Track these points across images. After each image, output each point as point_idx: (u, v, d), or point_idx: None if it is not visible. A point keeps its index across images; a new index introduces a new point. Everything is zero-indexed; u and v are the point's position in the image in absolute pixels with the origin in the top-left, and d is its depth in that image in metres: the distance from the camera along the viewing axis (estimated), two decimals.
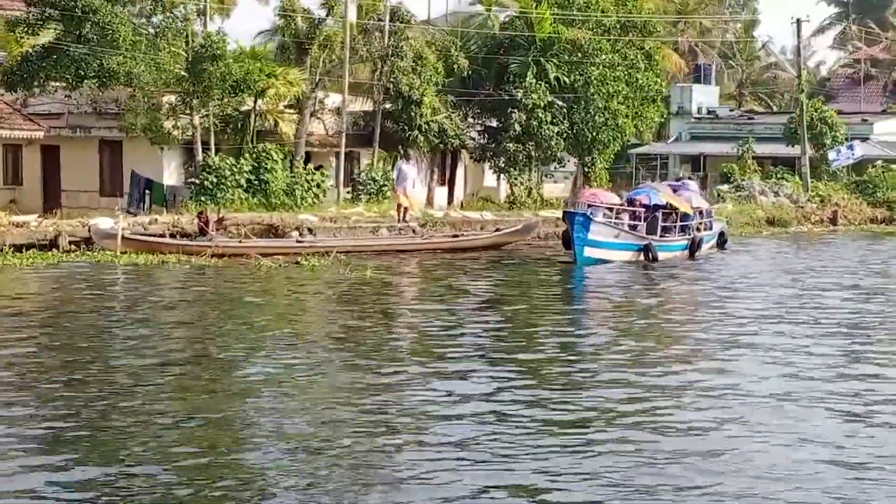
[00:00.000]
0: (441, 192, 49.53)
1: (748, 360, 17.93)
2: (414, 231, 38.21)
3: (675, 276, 31.02)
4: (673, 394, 15.47)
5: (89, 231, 32.35)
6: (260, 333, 20.15)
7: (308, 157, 43.54)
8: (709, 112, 69.28)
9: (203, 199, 38.74)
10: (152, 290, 26.13)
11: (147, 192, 41.82)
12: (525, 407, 14.36)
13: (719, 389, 15.62)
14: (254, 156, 40.12)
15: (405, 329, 21.38)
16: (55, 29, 36.68)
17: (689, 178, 44.06)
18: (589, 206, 33.22)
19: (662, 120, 51.73)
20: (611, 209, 33.80)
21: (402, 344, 19.64)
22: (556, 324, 22.04)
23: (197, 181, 39.16)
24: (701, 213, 37.20)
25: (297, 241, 35.02)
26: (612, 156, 50.39)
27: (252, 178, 40.11)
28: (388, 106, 44.77)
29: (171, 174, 41.88)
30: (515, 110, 46.60)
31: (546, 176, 51.73)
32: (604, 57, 47.60)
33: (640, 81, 48.67)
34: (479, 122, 49.40)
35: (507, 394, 15.10)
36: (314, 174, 41.37)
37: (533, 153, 47.17)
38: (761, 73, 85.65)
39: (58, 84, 38.22)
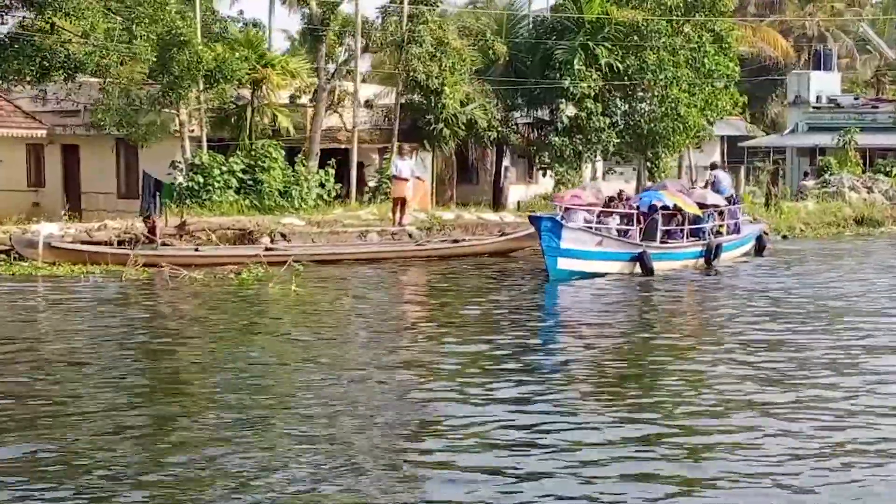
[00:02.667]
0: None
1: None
2: (410, 236, 34.25)
3: (670, 294, 26.04)
4: None
5: (10, 239, 29.28)
6: None
7: (329, 155, 39.95)
8: (829, 101, 63.46)
9: (189, 201, 35.54)
10: None
11: (158, 193, 38.80)
12: None
13: None
14: (251, 153, 36.75)
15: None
16: (16, 16, 33.79)
17: (722, 168, 38.17)
18: (566, 209, 28.23)
19: (734, 110, 46.14)
20: (605, 211, 28.95)
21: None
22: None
23: (183, 182, 35.98)
24: (721, 213, 31.88)
25: (266, 249, 31.42)
26: (681, 148, 45.23)
27: (246, 178, 36.73)
28: (413, 97, 40.87)
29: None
30: (562, 100, 42.20)
31: (609, 172, 47.05)
32: (663, 40, 42.78)
33: (708, 66, 43.63)
34: (528, 114, 45.08)
35: None
36: (317, 174, 37.72)
37: (581, 148, 42.63)
38: None
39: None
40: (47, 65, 33.31)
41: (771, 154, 63.24)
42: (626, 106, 43.15)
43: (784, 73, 67.79)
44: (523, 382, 15.16)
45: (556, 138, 42.24)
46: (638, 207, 29.33)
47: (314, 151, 39.52)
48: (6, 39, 33.59)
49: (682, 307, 24.39)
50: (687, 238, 30.09)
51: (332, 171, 38.45)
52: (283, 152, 37.65)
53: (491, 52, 42.20)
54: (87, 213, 39.88)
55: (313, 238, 33.15)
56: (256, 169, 36.61)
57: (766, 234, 34.67)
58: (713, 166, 36.10)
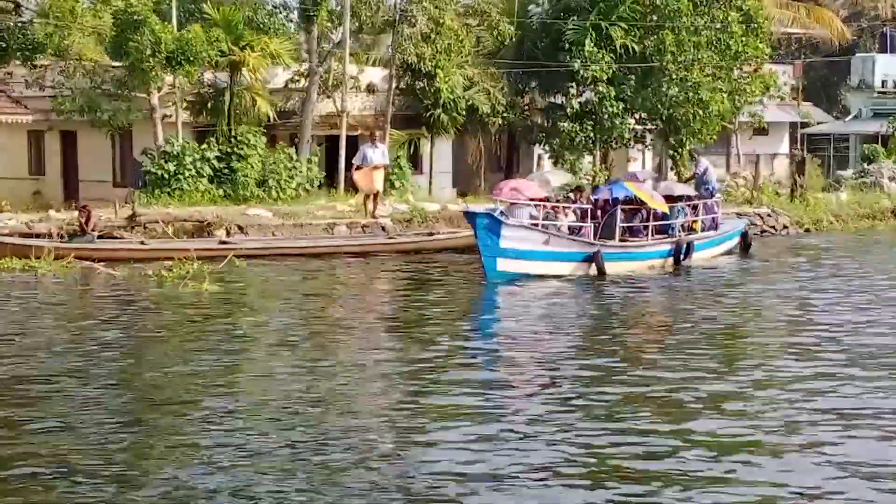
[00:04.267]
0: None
1: None
2: (384, 228, 32.11)
3: (609, 299, 23.08)
4: None
5: None
6: None
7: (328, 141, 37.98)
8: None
9: (157, 191, 33.79)
10: None
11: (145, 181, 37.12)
12: None
13: None
14: (229, 140, 34.89)
15: None
16: None
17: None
18: (512, 204, 25.33)
19: (763, 96, 42.90)
20: (554, 206, 26.27)
21: None
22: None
23: (152, 170, 34.19)
24: (694, 207, 28.87)
25: (221, 243, 29.51)
26: (711, 136, 42.06)
27: (221, 166, 34.85)
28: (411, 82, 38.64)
29: None
30: (573, 84, 39.62)
31: (630, 160, 44.29)
32: (684, 19, 39.95)
33: (735, 48, 40.67)
34: (543, 98, 42.53)
35: None
36: (297, 161, 35.68)
37: (592, 134, 39.99)
38: None
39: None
40: (4, 45, 31.69)
41: (832, 142, 59.75)
42: (645, 90, 40.27)
43: (837, 55, 63.93)
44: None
45: (566, 124, 39.63)
46: (596, 201, 26.67)
47: (305, 138, 37.51)
48: None
49: (610, 316, 21.24)
50: (652, 235, 27.20)
51: (315, 160, 36.42)
52: (265, 139, 35.76)
53: (495, 32, 39.67)
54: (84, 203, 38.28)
55: (273, 231, 31.18)
56: (233, 157, 34.74)
57: (748, 232, 31.64)
58: (691, 155, 33.07)
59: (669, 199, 27.83)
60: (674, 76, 39.77)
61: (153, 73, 32.11)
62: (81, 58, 32.76)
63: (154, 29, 31.18)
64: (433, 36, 37.22)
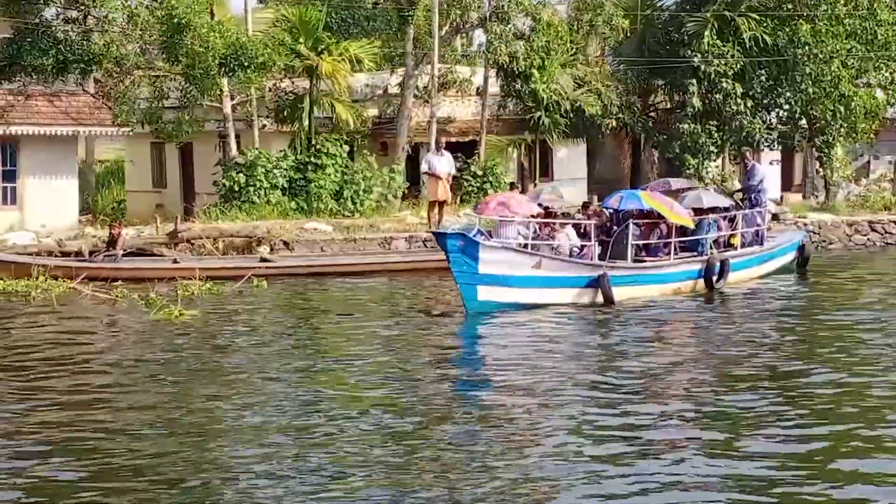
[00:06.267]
0: None
1: None
2: None
3: (609, 335, 19.06)
4: None
5: None
6: None
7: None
8: None
9: (228, 204, 32.29)
10: None
11: None
12: None
13: None
14: (309, 149, 33.14)
15: None
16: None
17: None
18: (501, 221, 21.83)
19: None
20: (548, 223, 22.73)
21: None
22: None
23: (224, 182, 32.73)
24: (731, 220, 24.66)
25: (262, 260, 27.71)
26: (866, 134, 37.73)
27: (297, 176, 33.07)
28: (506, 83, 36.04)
29: None
30: (692, 81, 36.19)
31: (773, 163, 40.29)
32: (823, 7, 36.00)
33: (883, 38, 36.42)
34: (667, 99, 39.22)
35: None
36: (377, 173, 33.53)
37: (716, 135, 36.42)
38: None
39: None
40: (63, 58, 30.65)
41: None
42: (779, 87, 36.51)
43: None
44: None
45: (687, 125, 36.20)
46: (602, 215, 23.25)
47: (400, 145, 35.39)
48: (22, 33, 31.08)
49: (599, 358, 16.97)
50: (676, 254, 23.29)
51: (399, 169, 34.22)
52: (347, 147, 33.83)
53: (610, 27, 36.58)
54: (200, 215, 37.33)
55: (322, 247, 29.16)
56: (309, 167, 32.92)
57: (806, 245, 27.53)
58: (743, 160, 28.95)
59: (699, 212, 23.90)
60: (810, 70, 35.82)
61: (208, 80, 30.44)
62: (141, 67, 31.43)
63: (201, 33, 29.50)
64: (529, 34, 34.44)
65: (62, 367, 16.55)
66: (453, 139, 37.75)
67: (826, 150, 37.48)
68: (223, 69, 30.31)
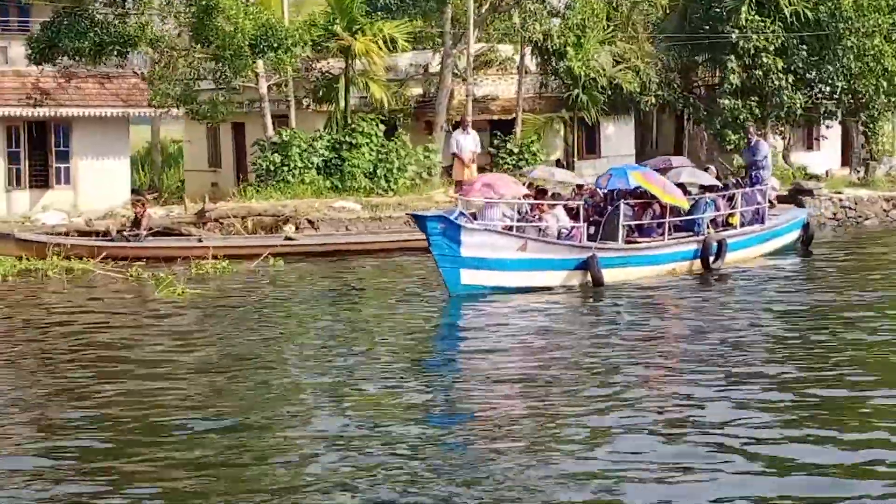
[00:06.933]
0: None
1: None
2: None
3: (594, 319, 18.94)
4: None
5: None
6: None
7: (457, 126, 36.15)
8: None
9: (263, 183, 32.92)
10: None
11: None
12: None
13: None
14: (344, 128, 33.65)
15: None
16: None
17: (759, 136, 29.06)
18: (487, 202, 21.35)
19: None
20: (535, 204, 22.37)
21: None
22: None
23: (261, 162, 33.36)
24: (730, 198, 24.35)
25: (286, 239, 28.31)
26: None
27: (332, 156, 33.60)
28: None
29: None
30: (731, 57, 36.04)
31: (818, 139, 39.97)
32: None
33: None
34: (708, 75, 39.06)
35: None
36: (412, 151, 33.91)
37: (757, 111, 36.24)
38: None
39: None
40: (99, 41, 31.36)
41: None
42: (821, 62, 36.21)
43: None
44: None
45: (727, 101, 36.07)
46: (605, 195, 23.17)
47: (440, 124, 35.75)
48: (61, 15, 31.81)
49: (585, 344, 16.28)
50: (670, 234, 22.87)
51: (434, 147, 34.57)
52: (382, 126, 34.24)
53: (649, 3, 36.55)
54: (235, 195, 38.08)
55: (347, 226, 29.65)
56: (343, 146, 33.43)
57: (810, 224, 27.16)
58: (746, 137, 28.36)
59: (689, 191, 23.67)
60: (852, 45, 35.49)
61: (238, 60, 30.97)
62: (175, 48, 32.10)
63: (230, 14, 30.01)
64: (564, 11, 34.58)
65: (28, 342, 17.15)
66: (496, 117, 38.10)
67: (871, 125, 37.17)
68: (254, 50, 30.79)
